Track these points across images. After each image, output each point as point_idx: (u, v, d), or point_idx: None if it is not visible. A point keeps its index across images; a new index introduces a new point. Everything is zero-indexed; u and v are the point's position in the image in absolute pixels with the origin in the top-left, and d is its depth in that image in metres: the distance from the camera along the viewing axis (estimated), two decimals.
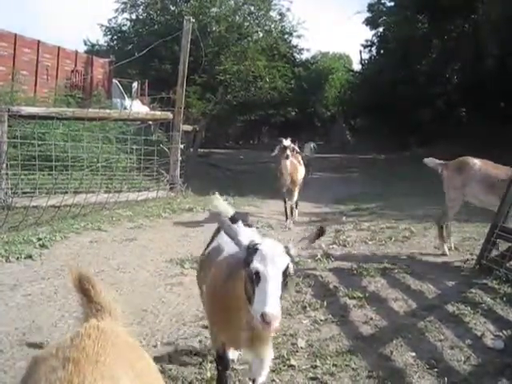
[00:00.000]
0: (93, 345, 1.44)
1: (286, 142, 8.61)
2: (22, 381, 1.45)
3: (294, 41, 37.54)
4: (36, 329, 4.09)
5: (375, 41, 32.95)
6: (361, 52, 35.19)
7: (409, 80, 24.74)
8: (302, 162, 9.68)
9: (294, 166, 9.01)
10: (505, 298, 4.84)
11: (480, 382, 3.33)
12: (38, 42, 16.05)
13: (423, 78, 25.84)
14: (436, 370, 3.45)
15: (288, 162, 8.72)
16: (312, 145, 17.94)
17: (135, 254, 6.47)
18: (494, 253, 5.82)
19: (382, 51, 32.65)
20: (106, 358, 1.40)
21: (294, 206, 9.37)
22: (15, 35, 15.06)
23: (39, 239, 6.69)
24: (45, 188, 9.06)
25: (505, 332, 4.07)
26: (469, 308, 4.58)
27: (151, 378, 1.57)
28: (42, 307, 4.57)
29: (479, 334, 4.07)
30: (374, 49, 33.72)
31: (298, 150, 9.78)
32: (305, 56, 41.24)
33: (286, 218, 8.87)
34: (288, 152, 8.56)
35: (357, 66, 40.57)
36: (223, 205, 3.75)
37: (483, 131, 19.84)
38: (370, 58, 34.72)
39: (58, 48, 17.17)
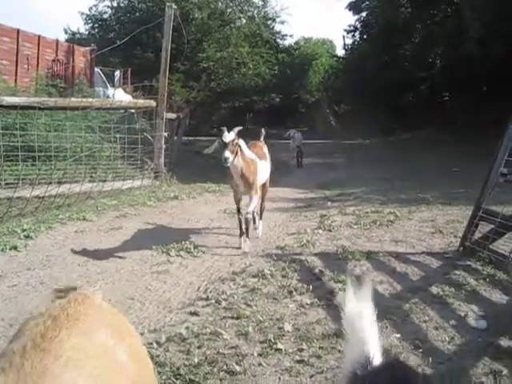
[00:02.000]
0: (76, 305, 1.48)
1: (228, 137, 5.92)
2: (13, 336, 1.50)
3: (277, 27, 37.56)
4: (23, 319, 4.06)
5: (358, 26, 32.97)
6: (344, 37, 35.23)
7: (392, 65, 24.80)
8: (266, 154, 7.16)
9: (250, 165, 6.38)
10: (488, 279, 4.91)
11: (464, 361, 3.38)
12: (18, 30, 15.82)
13: (407, 63, 25.95)
14: (421, 350, 3.49)
15: (238, 161, 6.15)
16: (293, 132, 17.41)
17: (121, 243, 6.45)
18: (478, 235, 5.89)
19: (365, 36, 32.69)
20: (87, 317, 1.45)
21: (255, 216, 6.94)
22: None
23: (24, 230, 6.66)
24: (28, 179, 8.98)
25: (488, 312, 4.12)
26: (453, 289, 4.63)
27: (139, 347, 1.61)
28: (28, 298, 4.55)
29: (463, 314, 4.12)
30: (357, 34, 33.77)
31: (261, 141, 7.44)
32: (288, 42, 41.29)
33: (241, 235, 6.45)
34: (228, 150, 5.86)
35: (340, 52, 40.66)
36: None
37: (466, 116, 20.00)
38: (354, 43, 34.76)
39: (39, 37, 16.95)
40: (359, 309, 1.49)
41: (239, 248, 6.29)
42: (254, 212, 6.74)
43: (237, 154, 6.06)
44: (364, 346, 1.43)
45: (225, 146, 5.91)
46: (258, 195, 6.64)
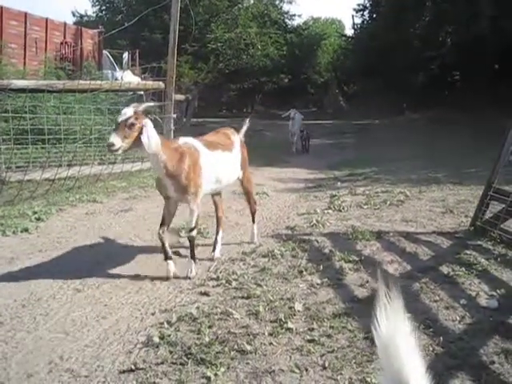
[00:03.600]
0: None
1: (121, 115, 4.29)
2: None
3: (285, 7, 37.42)
4: (35, 301, 4.12)
5: (367, 5, 32.63)
6: (353, 16, 34.96)
7: (402, 44, 24.53)
8: (234, 144, 5.36)
9: (184, 157, 4.58)
10: (499, 259, 4.90)
11: (474, 340, 3.38)
12: (25, 14, 15.81)
13: (417, 42, 25.67)
14: (431, 329, 3.49)
15: (161, 154, 4.44)
16: (293, 112, 15.45)
17: (131, 225, 6.48)
18: (488, 214, 5.86)
19: (374, 15, 32.34)
20: None
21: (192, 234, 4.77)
22: (1, 8, 14.82)
23: (35, 212, 6.70)
24: (38, 162, 9.03)
25: (499, 291, 4.11)
26: (463, 269, 4.62)
27: None
28: (40, 279, 4.59)
29: (474, 294, 4.12)
30: (366, 13, 33.44)
31: (232, 128, 5.68)
32: (296, 22, 41.18)
33: (166, 257, 4.69)
34: (117, 133, 4.18)
35: (349, 31, 40.34)
36: None
37: (477, 94, 19.79)
38: (363, 22, 34.45)
39: (46, 20, 16.94)
40: (394, 330, 1.24)
41: (167, 278, 4.60)
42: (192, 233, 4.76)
43: (137, 139, 4.27)
44: (403, 380, 1.21)
45: (115, 127, 4.30)
46: (198, 204, 4.72)
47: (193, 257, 4.77)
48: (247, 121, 5.99)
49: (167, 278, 4.59)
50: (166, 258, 4.69)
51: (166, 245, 4.67)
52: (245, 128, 5.83)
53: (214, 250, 5.27)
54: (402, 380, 1.20)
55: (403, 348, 1.23)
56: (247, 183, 5.67)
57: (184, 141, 4.80)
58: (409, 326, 1.27)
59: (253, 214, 5.82)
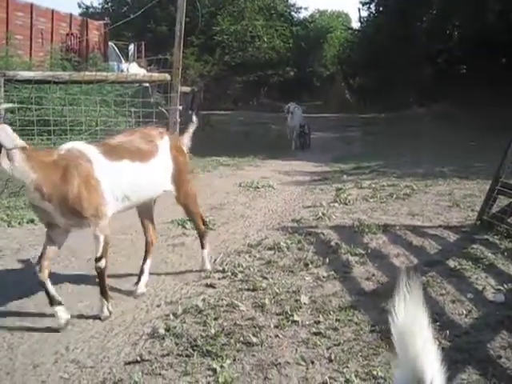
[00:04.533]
0: None
1: None
2: None
3: None
4: (41, 291, 4.10)
5: None
6: (359, 10, 34.69)
7: (409, 37, 24.38)
8: (161, 150, 4.08)
9: (68, 171, 3.43)
10: (506, 253, 4.87)
11: (481, 334, 3.37)
12: (31, 5, 15.81)
13: (423, 35, 25.48)
14: (438, 323, 3.46)
15: (29, 173, 3.30)
16: (292, 107, 14.66)
17: (136, 216, 6.45)
18: (495, 209, 5.84)
19: (381, 8, 32.07)
20: None
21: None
22: None
23: None
24: None
25: (505, 286, 4.10)
26: (470, 263, 4.60)
27: None
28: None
29: (480, 288, 4.11)
30: (372, 6, 33.09)
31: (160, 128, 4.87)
32: (303, 15, 40.94)
33: (52, 303, 3.51)
34: None
35: (356, 24, 40.05)
36: None
37: (484, 88, 19.67)
38: (369, 15, 34.11)
39: (52, 11, 16.95)
40: (412, 322, 1.24)
41: (60, 328, 3.49)
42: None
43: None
44: (419, 372, 1.23)
45: None
46: (103, 226, 3.65)
47: (104, 294, 3.70)
48: (193, 124, 4.71)
49: (57, 330, 3.48)
50: (52, 303, 3.52)
51: (49, 287, 3.52)
52: (190, 131, 4.64)
53: (137, 282, 4.21)
54: (417, 368, 1.22)
55: (420, 337, 1.23)
56: (186, 199, 4.41)
57: (70, 147, 3.62)
58: (426, 315, 1.26)
59: (201, 237, 4.67)
